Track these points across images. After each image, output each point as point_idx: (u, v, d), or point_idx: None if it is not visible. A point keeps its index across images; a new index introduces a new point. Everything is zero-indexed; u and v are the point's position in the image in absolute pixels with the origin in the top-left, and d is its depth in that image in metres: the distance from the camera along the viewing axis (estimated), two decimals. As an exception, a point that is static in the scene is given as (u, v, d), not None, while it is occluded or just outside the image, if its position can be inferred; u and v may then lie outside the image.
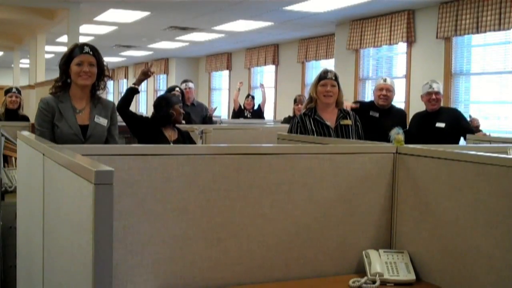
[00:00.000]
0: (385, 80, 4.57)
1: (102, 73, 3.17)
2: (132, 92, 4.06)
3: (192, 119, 5.61)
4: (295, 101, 7.00)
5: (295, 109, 6.93)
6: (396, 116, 4.45)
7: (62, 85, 3.15)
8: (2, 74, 20.55)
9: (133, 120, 4.07)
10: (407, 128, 4.57)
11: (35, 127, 3.17)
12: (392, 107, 4.62)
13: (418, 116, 4.75)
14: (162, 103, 4.00)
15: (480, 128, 5.85)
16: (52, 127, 3.09)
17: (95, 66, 3.11)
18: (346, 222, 2.32)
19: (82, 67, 3.07)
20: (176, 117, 3.96)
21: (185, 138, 4.03)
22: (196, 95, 14.95)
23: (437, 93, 4.55)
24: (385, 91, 4.48)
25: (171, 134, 3.95)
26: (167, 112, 3.94)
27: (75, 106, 3.13)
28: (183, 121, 4.17)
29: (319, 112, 3.60)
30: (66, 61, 3.11)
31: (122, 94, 4.11)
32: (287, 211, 2.21)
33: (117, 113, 3.41)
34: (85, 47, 3.11)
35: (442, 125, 4.47)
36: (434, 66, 8.01)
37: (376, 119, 4.40)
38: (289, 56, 12.04)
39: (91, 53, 3.10)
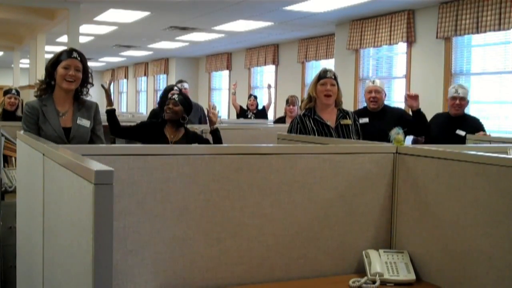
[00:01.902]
0: (373, 82, 4.50)
1: (86, 80, 3.28)
2: (110, 113, 4.08)
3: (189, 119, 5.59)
4: (287, 101, 6.79)
5: (286, 109, 6.73)
6: (391, 117, 4.36)
7: (46, 86, 3.24)
8: (2, 74, 20.55)
9: (131, 132, 4.10)
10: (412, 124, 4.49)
11: (22, 126, 3.26)
12: (386, 108, 4.52)
13: (439, 117, 4.76)
14: (162, 105, 4.07)
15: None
16: (38, 129, 3.19)
17: (80, 71, 3.21)
18: (346, 222, 2.32)
19: (68, 71, 3.17)
20: (166, 117, 3.93)
21: (190, 137, 3.97)
22: (196, 95, 15.07)
23: (462, 98, 4.55)
24: (374, 93, 4.39)
25: (173, 134, 3.92)
26: (162, 114, 4.02)
27: (58, 109, 3.24)
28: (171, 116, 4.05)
29: (318, 112, 3.60)
30: (53, 64, 3.21)
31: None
32: (287, 211, 2.21)
33: (100, 113, 3.48)
34: (74, 52, 3.22)
35: (462, 133, 4.46)
36: (434, 66, 8.01)
37: (366, 125, 4.28)
38: (289, 56, 12.04)
39: (78, 58, 3.21)
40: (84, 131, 3.26)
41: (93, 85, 3.37)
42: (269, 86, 8.84)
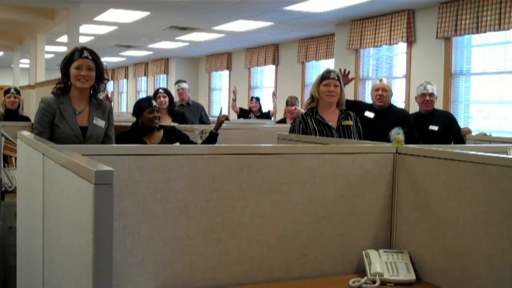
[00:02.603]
0: (381, 81, 4.57)
1: (101, 76, 3.28)
2: None
3: (188, 119, 5.60)
4: (286, 103, 6.66)
5: (286, 111, 6.61)
6: (395, 117, 4.41)
7: (64, 87, 3.26)
8: (2, 74, 20.56)
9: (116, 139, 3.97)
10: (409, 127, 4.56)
11: (34, 125, 3.27)
12: (392, 108, 4.59)
13: (412, 117, 4.79)
14: (134, 112, 3.85)
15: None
16: (51, 127, 3.20)
17: (93, 70, 3.21)
18: (346, 222, 2.32)
19: (80, 71, 3.18)
20: (147, 124, 3.77)
21: (170, 136, 3.87)
22: (196, 95, 15.06)
23: (431, 94, 4.62)
24: (381, 91, 4.46)
25: (154, 138, 3.80)
26: (137, 122, 3.82)
27: (75, 107, 3.25)
28: (158, 122, 3.85)
29: (321, 112, 3.61)
30: (66, 64, 3.23)
31: None
32: (287, 211, 2.21)
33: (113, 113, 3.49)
34: (85, 51, 3.21)
35: (435, 128, 4.54)
36: (434, 66, 8.01)
37: (370, 120, 4.37)
38: (289, 56, 12.04)
39: (90, 57, 3.21)
40: (99, 131, 3.29)
41: (109, 80, 3.39)
42: (274, 94, 8.73)
